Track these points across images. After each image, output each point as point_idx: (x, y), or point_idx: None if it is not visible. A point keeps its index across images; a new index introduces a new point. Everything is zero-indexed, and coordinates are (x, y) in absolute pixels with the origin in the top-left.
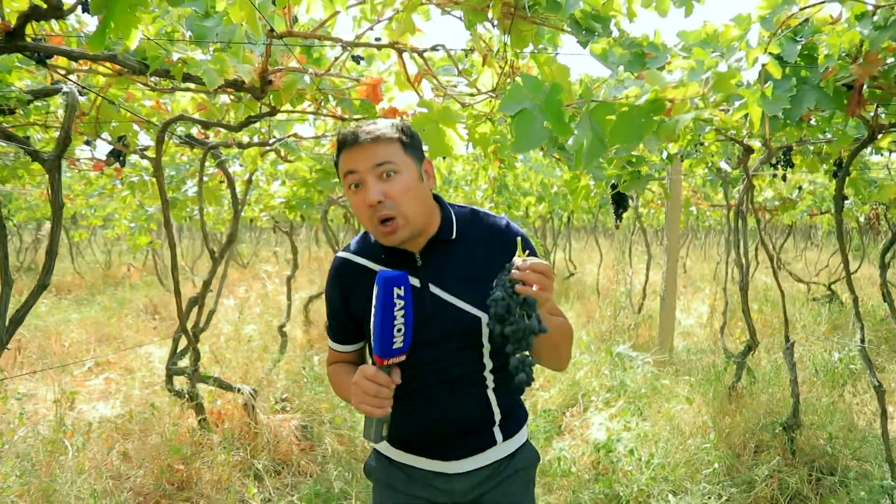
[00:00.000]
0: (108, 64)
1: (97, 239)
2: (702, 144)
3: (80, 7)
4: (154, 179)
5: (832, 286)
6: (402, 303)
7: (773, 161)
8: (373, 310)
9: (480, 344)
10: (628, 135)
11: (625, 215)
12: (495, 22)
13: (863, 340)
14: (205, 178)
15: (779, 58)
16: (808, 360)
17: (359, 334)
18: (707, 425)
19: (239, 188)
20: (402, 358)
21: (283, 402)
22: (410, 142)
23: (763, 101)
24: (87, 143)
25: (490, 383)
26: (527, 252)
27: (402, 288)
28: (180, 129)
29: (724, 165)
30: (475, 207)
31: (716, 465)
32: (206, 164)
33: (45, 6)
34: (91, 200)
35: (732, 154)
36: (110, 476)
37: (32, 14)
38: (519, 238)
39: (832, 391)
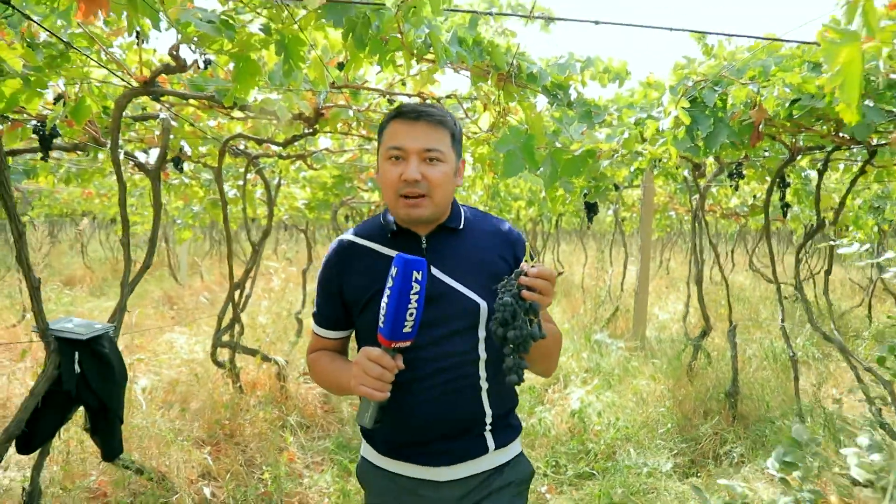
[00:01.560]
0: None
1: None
2: (661, 161)
3: (199, 66)
4: (193, 181)
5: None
6: (418, 287)
7: (729, 173)
8: (387, 290)
9: (476, 330)
10: (573, 171)
11: (608, 220)
12: (491, 83)
13: (783, 320)
14: (241, 183)
15: (698, 102)
16: (766, 349)
17: (347, 321)
18: (665, 395)
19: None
20: (408, 344)
21: (305, 376)
22: (458, 136)
23: (675, 142)
24: (146, 151)
25: (483, 383)
26: (534, 259)
27: (420, 273)
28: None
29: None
30: (481, 210)
31: (669, 425)
32: (241, 169)
33: (174, 64)
34: (132, 199)
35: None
36: (173, 429)
37: (164, 69)
38: (527, 244)
39: (781, 373)
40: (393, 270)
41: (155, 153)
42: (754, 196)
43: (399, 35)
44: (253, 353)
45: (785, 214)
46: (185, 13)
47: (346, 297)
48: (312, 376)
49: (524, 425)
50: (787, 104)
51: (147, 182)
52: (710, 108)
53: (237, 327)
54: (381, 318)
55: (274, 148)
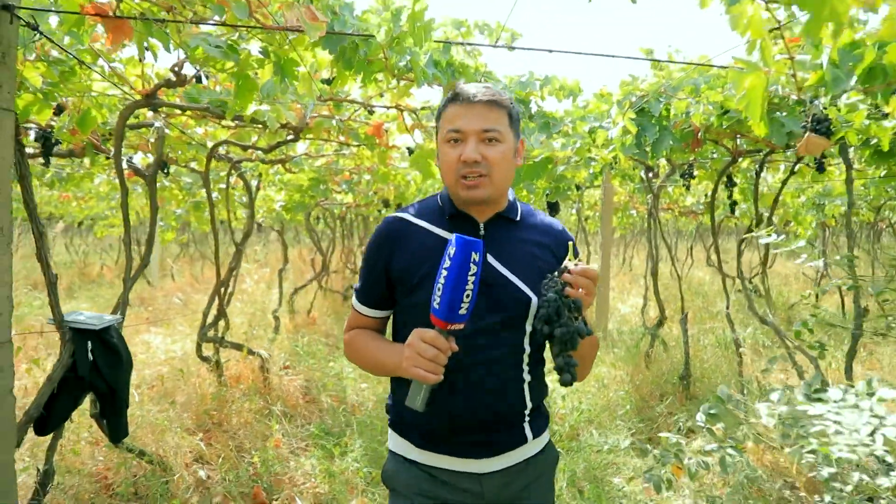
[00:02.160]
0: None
1: (65, 237)
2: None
3: (195, 79)
4: (173, 185)
5: (753, 280)
6: (475, 269)
7: (681, 174)
8: (443, 271)
9: (524, 325)
10: (534, 175)
11: (571, 218)
12: None
13: (728, 308)
14: (222, 186)
15: (646, 112)
16: (719, 336)
17: (390, 301)
18: (624, 380)
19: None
20: (462, 327)
21: (286, 369)
22: (516, 116)
23: (622, 148)
24: (130, 157)
25: (526, 375)
26: (578, 257)
27: (478, 255)
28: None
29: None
30: (534, 207)
31: (627, 407)
32: (222, 173)
33: (175, 79)
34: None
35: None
36: (166, 419)
37: (165, 84)
38: (571, 243)
39: (732, 358)
40: (451, 250)
41: (138, 158)
42: (706, 195)
43: (383, 59)
44: (239, 347)
45: (733, 211)
46: (195, 38)
47: (393, 275)
48: (348, 353)
49: None
50: (718, 115)
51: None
52: (656, 117)
53: (223, 322)
54: (437, 299)
55: (257, 153)
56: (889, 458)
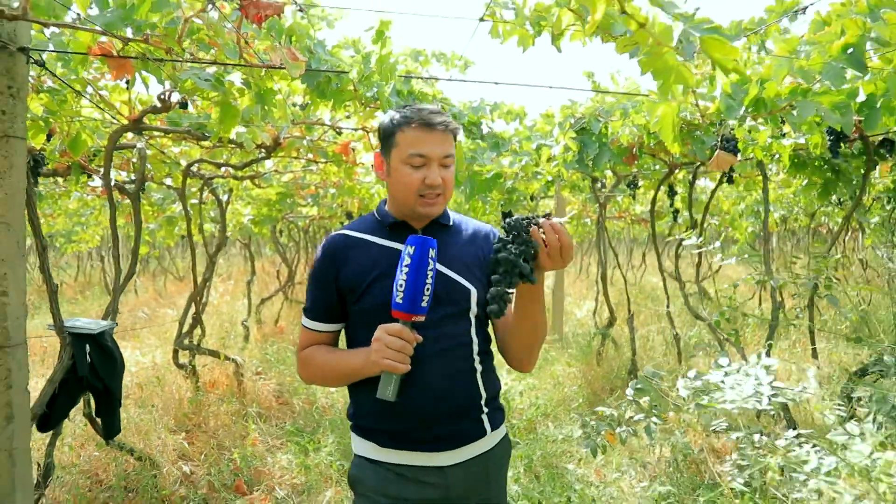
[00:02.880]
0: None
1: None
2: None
3: (179, 106)
4: (144, 201)
5: (701, 284)
6: (433, 264)
7: (627, 184)
8: (403, 268)
9: (469, 315)
10: (485, 189)
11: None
12: None
13: (668, 307)
14: (194, 202)
15: (587, 131)
16: (666, 336)
17: (341, 313)
18: (577, 377)
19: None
20: (422, 318)
21: (259, 375)
22: (458, 139)
23: (564, 164)
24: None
25: (477, 365)
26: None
27: (434, 251)
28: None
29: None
30: (462, 214)
31: (580, 401)
32: (193, 189)
33: (160, 105)
34: (82, 219)
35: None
36: (149, 420)
37: (151, 110)
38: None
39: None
40: (409, 249)
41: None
42: (661, 202)
43: (353, 90)
44: (215, 354)
45: (675, 219)
46: (186, 72)
47: (341, 285)
48: (305, 371)
49: None
50: (647, 134)
51: (95, 202)
52: (596, 135)
53: (197, 331)
54: (399, 295)
55: (229, 170)
56: (770, 409)
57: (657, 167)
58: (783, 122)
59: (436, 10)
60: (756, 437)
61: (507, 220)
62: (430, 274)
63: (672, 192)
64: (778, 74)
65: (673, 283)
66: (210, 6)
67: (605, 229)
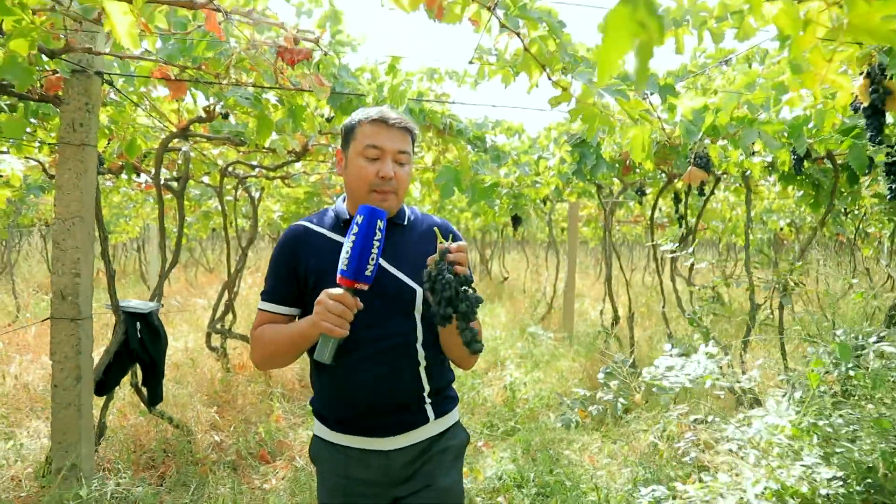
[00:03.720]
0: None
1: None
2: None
3: (222, 116)
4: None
5: (715, 288)
6: (380, 235)
7: (635, 191)
8: (351, 237)
9: (413, 314)
10: (485, 196)
11: (544, 232)
12: (432, 134)
13: (663, 306)
14: (228, 199)
15: (586, 143)
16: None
17: (297, 298)
18: (580, 371)
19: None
20: (366, 287)
21: None
22: (416, 141)
23: (559, 175)
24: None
25: (421, 360)
26: (450, 237)
27: (382, 222)
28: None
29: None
30: (428, 213)
31: (582, 393)
32: (228, 186)
33: (205, 116)
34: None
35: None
36: (186, 395)
37: (197, 120)
38: (435, 228)
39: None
40: (358, 218)
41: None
42: (659, 210)
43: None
44: (245, 338)
45: (681, 225)
46: (231, 91)
47: (300, 273)
48: (257, 347)
49: (468, 400)
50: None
51: (138, 196)
52: (594, 147)
53: (230, 316)
54: (345, 262)
55: (262, 171)
56: (703, 383)
57: (663, 175)
58: (753, 143)
59: (437, 45)
60: (710, 418)
61: (438, 284)
62: (377, 244)
63: (677, 200)
64: (727, 106)
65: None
66: (253, 46)
67: (610, 234)
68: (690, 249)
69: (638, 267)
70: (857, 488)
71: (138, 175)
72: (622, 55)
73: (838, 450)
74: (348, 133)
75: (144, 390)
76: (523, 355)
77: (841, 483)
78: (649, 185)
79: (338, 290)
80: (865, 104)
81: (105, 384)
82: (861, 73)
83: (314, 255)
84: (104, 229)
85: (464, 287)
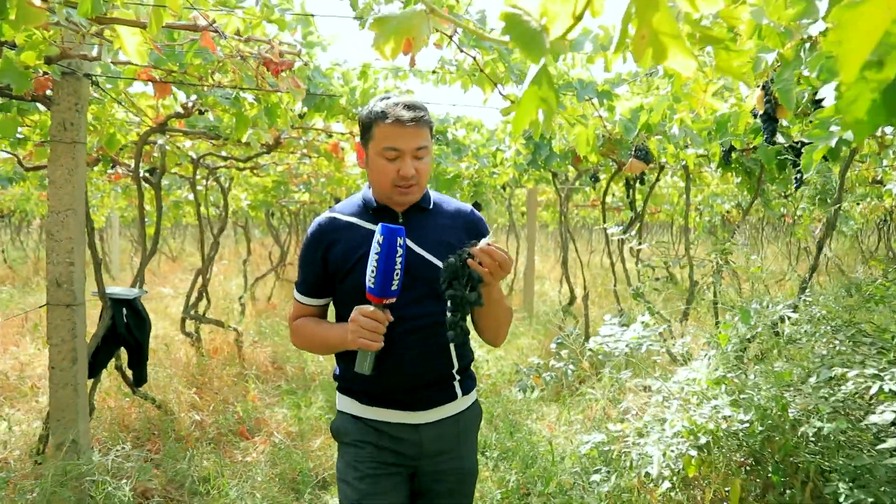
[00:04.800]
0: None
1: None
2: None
3: (198, 112)
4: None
5: (669, 268)
6: (402, 251)
7: (590, 177)
8: (374, 255)
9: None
10: (447, 187)
11: (505, 216)
12: None
13: (615, 285)
14: (199, 188)
15: (542, 136)
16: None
17: (328, 289)
18: (539, 348)
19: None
20: (394, 300)
21: (255, 344)
22: (433, 129)
23: (515, 166)
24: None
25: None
26: (495, 241)
27: (403, 240)
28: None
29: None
30: (445, 195)
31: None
32: (198, 177)
33: (183, 111)
34: (94, 202)
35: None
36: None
37: (175, 115)
38: (491, 230)
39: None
40: (379, 238)
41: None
42: (612, 194)
43: (343, 105)
44: (219, 323)
45: (632, 209)
46: (211, 91)
47: (329, 265)
48: (297, 340)
49: None
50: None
51: (106, 186)
52: (547, 139)
53: (203, 302)
54: (371, 280)
55: (233, 161)
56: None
57: (613, 164)
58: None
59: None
60: (648, 380)
61: (445, 262)
62: (399, 261)
63: (628, 186)
64: (659, 107)
65: (631, 264)
66: (240, 56)
67: (566, 218)
68: (633, 232)
69: (597, 249)
70: (759, 428)
71: (114, 167)
72: (531, 119)
73: (743, 396)
74: (366, 130)
75: (129, 373)
76: None
77: (747, 423)
78: (602, 171)
79: (368, 308)
80: (761, 111)
81: (94, 367)
82: (758, 86)
83: (342, 244)
84: (90, 221)
85: (466, 280)
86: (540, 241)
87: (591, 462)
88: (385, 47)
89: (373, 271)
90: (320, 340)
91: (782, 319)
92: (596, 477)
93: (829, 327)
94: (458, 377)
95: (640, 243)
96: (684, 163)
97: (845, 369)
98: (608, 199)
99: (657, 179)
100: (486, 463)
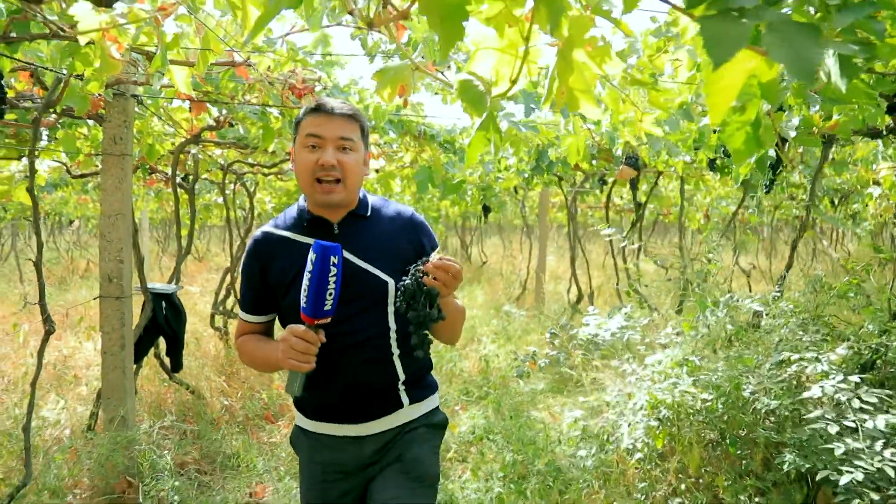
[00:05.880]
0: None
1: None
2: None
3: (228, 124)
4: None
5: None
6: (335, 270)
7: (598, 179)
8: (307, 274)
9: (386, 305)
10: (453, 191)
11: (519, 219)
12: (409, 138)
13: (618, 284)
14: (227, 192)
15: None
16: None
17: (271, 305)
18: (547, 344)
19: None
20: (328, 320)
21: None
22: (365, 130)
23: (517, 173)
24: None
25: (395, 349)
26: (442, 254)
27: (337, 258)
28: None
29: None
30: (386, 198)
31: (548, 361)
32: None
33: (215, 124)
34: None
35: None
36: (197, 366)
37: (208, 128)
38: (435, 247)
39: None
40: (312, 256)
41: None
42: (620, 197)
43: None
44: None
45: (640, 211)
46: (241, 107)
47: (269, 281)
48: (242, 357)
49: (447, 372)
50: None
51: (140, 191)
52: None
53: (231, 299)
54: (304, 299)
55: (259, 167)
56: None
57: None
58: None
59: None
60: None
61: (400, 285)
62: (333, 280)
63: (634, 188)
64: (603, 134)
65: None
66: (268, 81)
67: (574, 220)
68: (625, 233)
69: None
70: (720, 407)
71: (151, 174)
72: (480, 153)
73: (703, 377)
74: (295, 128)
75: (167, 360)
76: (497, 331)
77: (709, 402)
78: (608, 175)
79: (300, 328)
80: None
81: (137, 354)
82: None
83: (278, 262)
84: (134, 223)
85: (423, 298)
86: (557, 242)
87: (585, 442)
88: (384, 92)
89: (305, 290)
90: (261, 359)
91: (758, 314)
92: (582, 452)
93: (796, 320)
94: (403, 387)
95: (632, 244)
96: (673, 168)
97: (792, 354)
98: (620, 201)
99: (655, 183)
100: (490, 446)
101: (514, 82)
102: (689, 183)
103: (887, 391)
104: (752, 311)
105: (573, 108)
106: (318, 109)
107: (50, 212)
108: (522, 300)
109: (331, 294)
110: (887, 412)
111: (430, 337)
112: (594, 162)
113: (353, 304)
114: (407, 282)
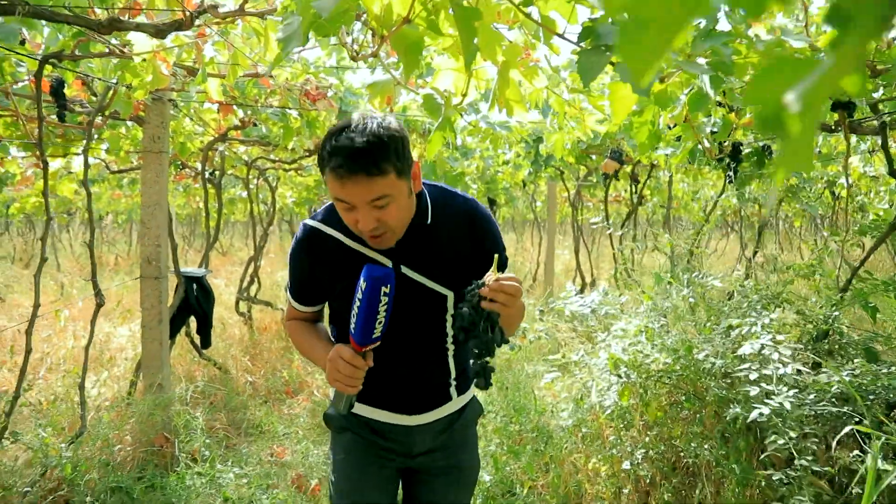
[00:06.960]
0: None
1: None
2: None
3: (253, 124)
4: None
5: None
6: (387, 299)
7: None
8: (357, 300)
9: (444, 318)
10: (454, 182)
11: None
12: (415, 135)
13: (615, 273)
14: (251, 187)
15: (540, 139)
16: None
17: (321, 297)
18: (536, 318)
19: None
20: (378, 344)
21: None
22: (403, 162)
23: (515, 167)
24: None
25: (451, 351)
26: (501, 270)
27: (389, 286)
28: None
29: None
30: (444, 186)
31: (551, 346)
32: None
33: (241, 124)
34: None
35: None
36: (224, 346)
37: (234, 127)
38: (496, 256)
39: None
40: (362, 284)
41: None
42: (624, 190)
43: None
44: (269, 304)
45: (639, 203)
46: (263, 109)
47: (318, 277)
48: (291, 339)
49: None
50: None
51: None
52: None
53: (255, 286)
54: (352, 324)
55: (280, 163)
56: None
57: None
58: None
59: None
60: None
61: (457, 313)
62: (384, 310)
63: (634, 182)
64: (548, 135)
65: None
66: (287, 88)
67: (577, 212)
68: (609, 222)
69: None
70: (676, 368)
71: (182, 169)
72: (437, 149)
73: (658, 341)
74: (320, 164)
75: (197, 339)
76: None
77: (667, 363)
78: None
79: (347, 352)
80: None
81: (171, 331)
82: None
83: (327, 264)
84: (170, 213)
85: (484, 322)
86: (573, 235)
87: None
88: (375, 101)
89: (354, 315)
90: (307, 355)
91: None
92: (564, 413)
93: (758, 296)
94: (454, 383)
95: (617, 231)
96: (655, 162)
97: (738, 320)
98: (625, 194)
99: (649, 176)
100: (492, 419)
101: (464, 95)
102: (688, 176)
103: (800, 346)
104: (723, 289)
105: (509, 113)
106: (339, 170)
107: (81, 207)
108: (532, 291)
109: (380, 323)
110: (796, 362)
111: (492, 365)
112: (593, 157)
113: (411, 319)
114: (464, 310)
